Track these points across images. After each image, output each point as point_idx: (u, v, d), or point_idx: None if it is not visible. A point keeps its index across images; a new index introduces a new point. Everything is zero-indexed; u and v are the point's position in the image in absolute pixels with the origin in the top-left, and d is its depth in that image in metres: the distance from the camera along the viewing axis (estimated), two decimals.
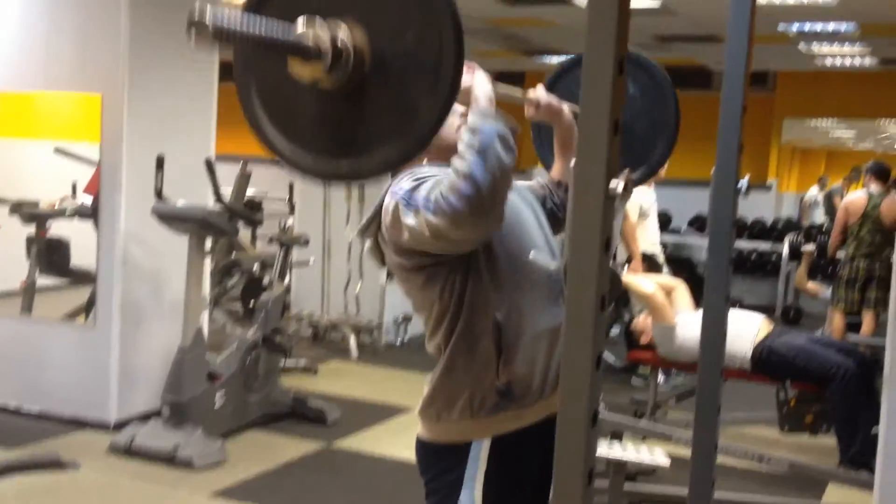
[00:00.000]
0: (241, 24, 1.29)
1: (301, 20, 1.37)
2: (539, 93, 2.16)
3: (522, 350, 1.94)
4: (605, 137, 1.31)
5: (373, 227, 1.95)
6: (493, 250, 1.92)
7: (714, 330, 2.20)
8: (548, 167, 2.39)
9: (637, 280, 5.10)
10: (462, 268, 1.90)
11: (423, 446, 2.06)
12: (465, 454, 1.98)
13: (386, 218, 1.85)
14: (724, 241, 2.20)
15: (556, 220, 2.16)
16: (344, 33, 1.37)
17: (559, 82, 2.50)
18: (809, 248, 7.68)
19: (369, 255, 2.06)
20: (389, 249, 1.93)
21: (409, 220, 1.74)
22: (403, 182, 1.82)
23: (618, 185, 1.33)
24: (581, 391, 1.34)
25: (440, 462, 2.02)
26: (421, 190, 1.75)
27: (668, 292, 5.05)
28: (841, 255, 7.17)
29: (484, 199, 1.65)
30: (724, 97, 2.15)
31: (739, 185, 2.20)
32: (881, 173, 7.04)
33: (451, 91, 1.38)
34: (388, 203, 1.84)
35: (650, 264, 6.01)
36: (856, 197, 7.17)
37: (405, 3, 1.39)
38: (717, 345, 2.21)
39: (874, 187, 6.98)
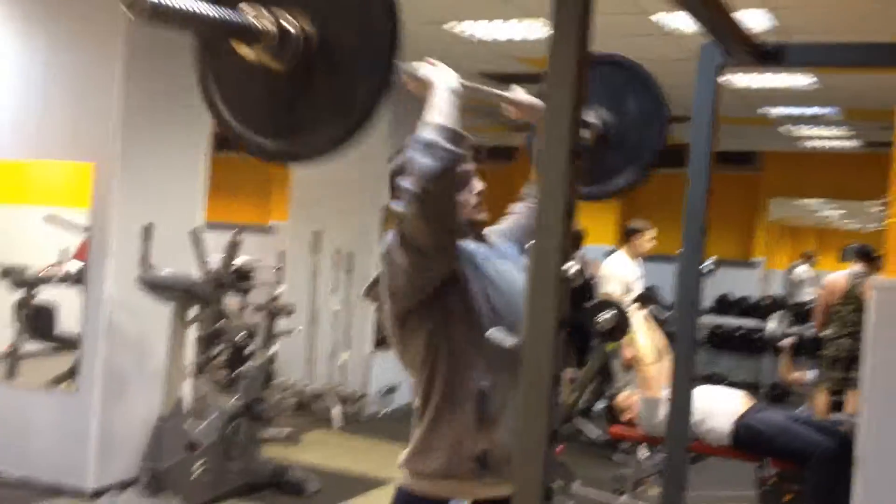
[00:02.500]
0: (182, 4, 1.34)
1: (244, 5, 1.46)
2: (519, 94, 2.28)
3: (504, 423, 1.98)
4: (561, 223, 1.37)
5: (377, 288, 2.05)
6: (480, 319, 1.98)
7: (681, 404, 2.25)
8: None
9: (643, 336, 5.13)
10: (445, 329, 1.98)
11: (403, 495, 2.07)
12: None
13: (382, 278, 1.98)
14: (689, 319, 2.26)
15: None
16: (287, 18, 1.46)
17: None
18: (788, 341, 7.76)
19: (377, 312, 2.12)
20: (384, 300, 2.01)
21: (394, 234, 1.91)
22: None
23: (571, 267, 1.39)
24: (534, 468, 1.38)
25: None
26: None
27: (661, 355, 5.08)
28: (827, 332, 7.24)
29: (419, 199, 1.82)
30: (691, 179, 2.22)
31: (703, 267, 2.25)
32: (865, 255, 7.18)
33: (388, 68, 1.47)
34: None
35: (646, 302, 5.98)
36: (836, 277, 7.28)
37: None
38: (684, 417, 2.26)
39: (858, 268, 7.10)
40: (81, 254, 5.11)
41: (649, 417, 4.89)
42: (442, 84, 1.94)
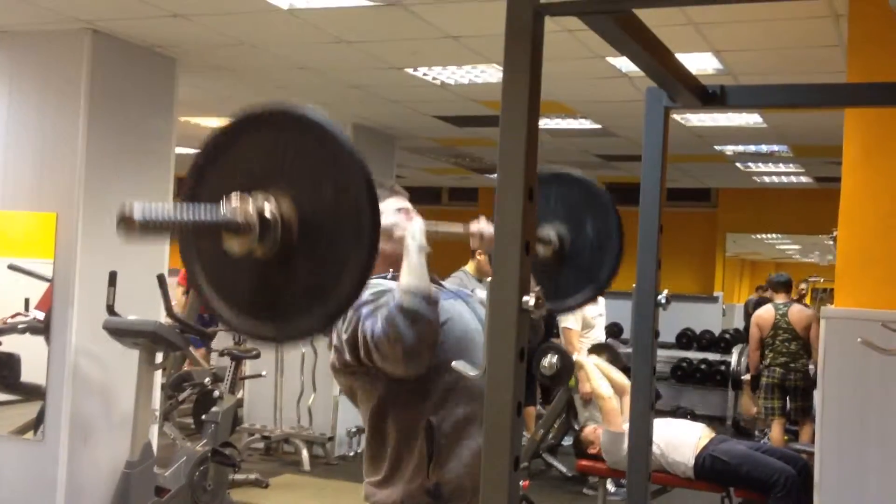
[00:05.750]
0: (169, 214, 1.38)
1: (229, 198, 1.46)
2: (482, 225, 2.30)
3: (456, 456, 2.05)
4: (518, 257, 1.45)
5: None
6: (431, 360, 2.04)
7: (641, 434, 2.33)
8: None
9: (598, 376, 5.23)
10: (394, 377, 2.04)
11: None
12: None
13: (340, 325, 2.02)
14: (646, 351, 2.34)
15: None
16: (271, 205, 1.46)
17: None
18: (747, 376, 7.94)
19: (328, 348, 2.16)
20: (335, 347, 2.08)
21: (357, 333, 1.98)
22: (364, 293, 1.99)
23: (530, 299, 1.46)
24: (500, 493, 1.44)
25: None
26: (374, 311, 1.97)
27: (622, 394, 5.17)
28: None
29: (392, 351, 1.93)
30: (642, 217, 2.31)
31: (660, 298, 2.35)
32: (782, 285, 7.46)
33: (368, 258, 1.47)
34: (349, 315, 2.00)
35: (611, 354, 6.11)
36: (763, 311, 7.53)
37: (323, 171, 1.49)
38: (644, 446, 2.33)
39: (779, 299, 7.39)
40: (45, 303, 5.11)
41: (614, 452, 4.96)
42: (413, 244, 2.04)
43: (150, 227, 1.36)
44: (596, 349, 6.12)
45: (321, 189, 1.49)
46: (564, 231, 2.46)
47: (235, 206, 1.45)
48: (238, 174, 1.54)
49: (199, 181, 1.56)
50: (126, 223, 1.34)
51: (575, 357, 5.80)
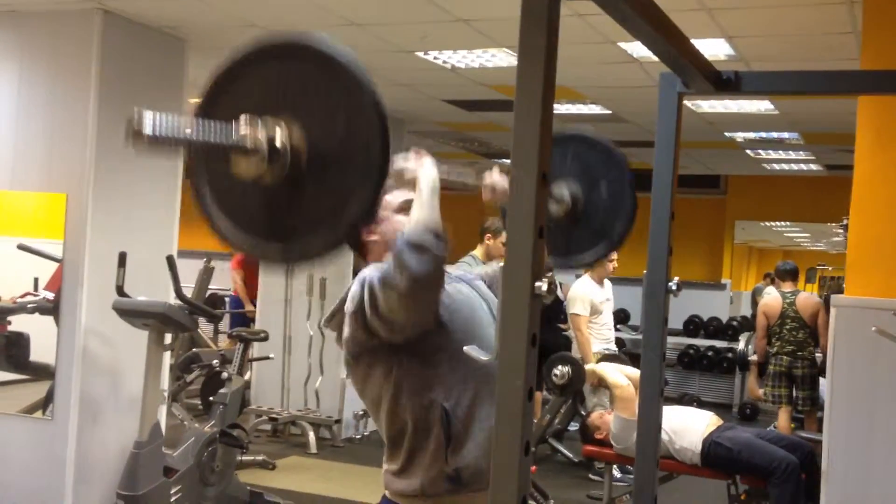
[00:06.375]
0: (178, 130, 1.37)
1: (241, 121, 1.45)
2: (495, 177, 2.28)
3: (472, 439, 2.04)
4: (531, 242, 1.45)
5: (338, 317, 2.09)
6: (439, 343, 2.05)
7: (650, 421, 2.33)
8: None
9: (611, 372, 5.26)
10: (401, 356, 2.04)
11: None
12: None
13: (348, 305, 2.01)
14: (657, 337, 2.34)
15: None
16: (282, 131, 1.46)
17: None
18: (755, 357, 7.94)
19: (337, 343, 2.15)
20: (344, 338, 2.06)
21: (363, 296, 1.94)
22: (370, 270, 1.99)
23: (542, 284, 1.46)
24: (510, 478, 1.44)
25: None
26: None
27: (637, 386, 5.18)
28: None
29: (399, 282, 1.85)
30: (654, 203, 2.31)
31: (671, 285, 2.34)
32: (788, 273, 7.46)
33: (377, 188, 1.46)
34: (355, 291, 1.99)
35: (620, 363, 6.14)
36: (770, 299, 7.52)
37: (335, 99, 1.49)
38: (653, 433, 2.33)
39: (785, 287, 7.39)
40: (54, 283, 5.12)
41: (624, 438, 4.97)
42: (426, 184, 1.98)
43: (160, 143, 1.35)
44: (606, 359, 6.16)
45: (333, 119, 1.48)
46: (577, 190, 2.45)
47: (246, 131, 1.44)
48: (251, 98, 1.52)
49: (212, 100, 1.55)
50: (135, 136, 1.33)
51: (587, 367, 5.84)
